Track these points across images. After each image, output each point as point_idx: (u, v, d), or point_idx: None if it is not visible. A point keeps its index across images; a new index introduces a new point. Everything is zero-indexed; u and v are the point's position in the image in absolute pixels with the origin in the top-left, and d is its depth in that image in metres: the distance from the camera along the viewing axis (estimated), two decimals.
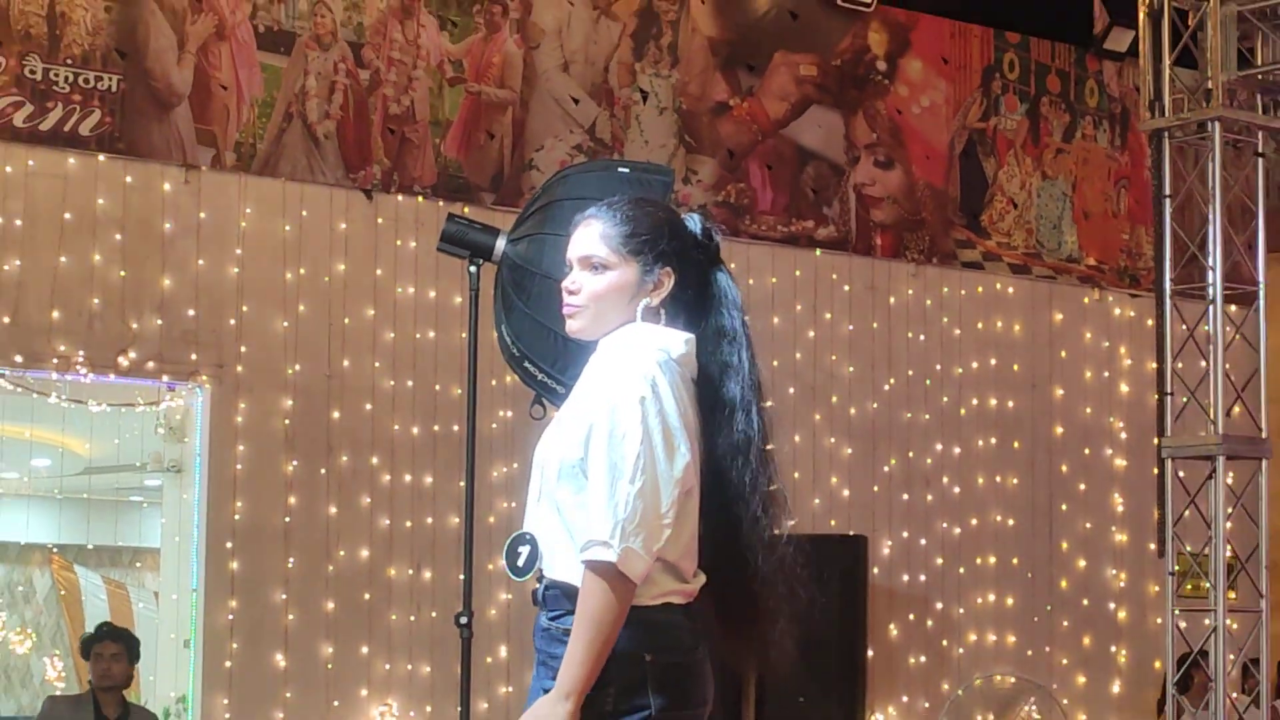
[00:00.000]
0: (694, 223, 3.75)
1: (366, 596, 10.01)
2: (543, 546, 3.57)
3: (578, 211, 3.81)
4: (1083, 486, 12.55)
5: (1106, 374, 12.78)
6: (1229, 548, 9.85)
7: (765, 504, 3.65)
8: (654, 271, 3.63)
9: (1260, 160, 10.17)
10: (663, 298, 3.64)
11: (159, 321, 9.62)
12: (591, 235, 3.66)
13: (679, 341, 3.59)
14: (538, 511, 3.61)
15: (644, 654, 3.48)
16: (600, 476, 3.45)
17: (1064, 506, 12.46)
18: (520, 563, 3.59)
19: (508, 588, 9.86)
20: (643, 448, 3.43)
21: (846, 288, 11.80)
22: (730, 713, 10.18)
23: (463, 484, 6.39)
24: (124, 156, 9.59)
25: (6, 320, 9.25)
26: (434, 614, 10.03)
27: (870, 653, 11.10)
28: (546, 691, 3.48)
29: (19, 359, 9.31)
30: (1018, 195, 12.52)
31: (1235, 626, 9.90)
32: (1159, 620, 11.52)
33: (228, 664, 9.68)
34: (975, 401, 12.20)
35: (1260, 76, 10.03)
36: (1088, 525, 12.54)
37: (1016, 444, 12.32)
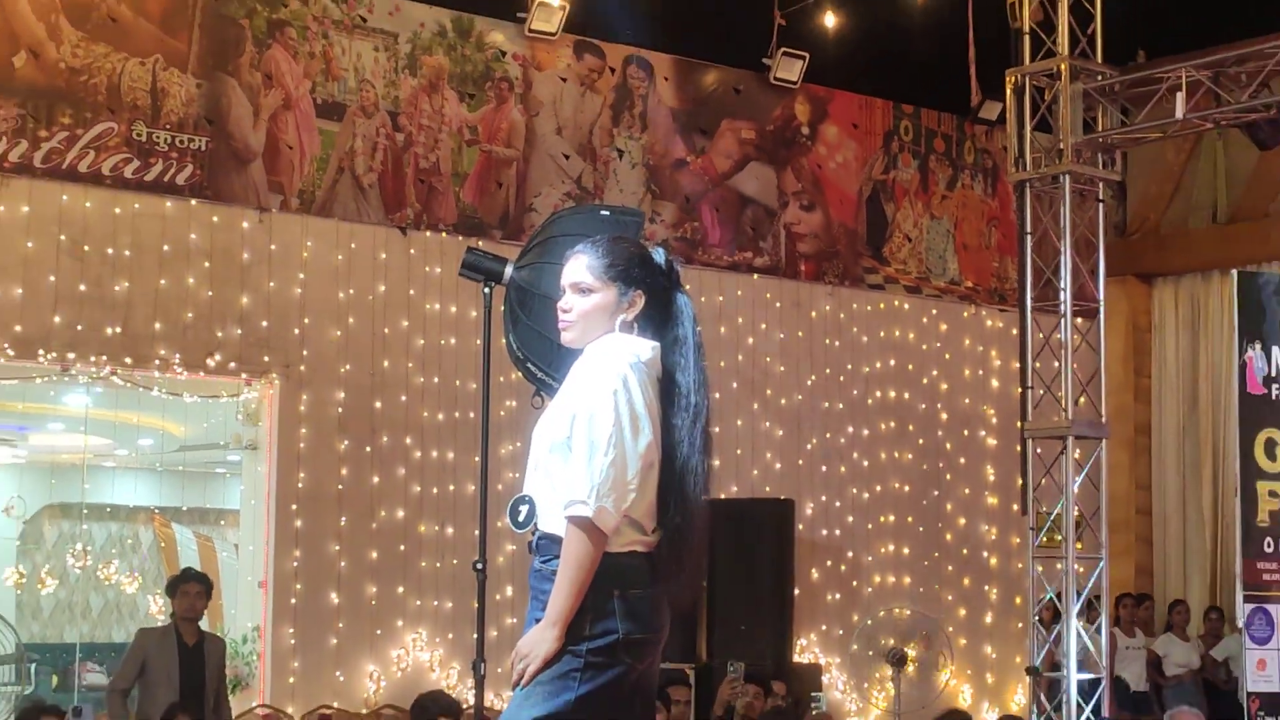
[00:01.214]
0: (659, 255, 3.73)
1: (402, 548, 10.02)
2: (538, 506, 3.57)
3: (569, 246, 3.79)
4: (962, 460, 12.58)
5: (980, 372, 12.80)
6: (1076, 509, 9.86)
7: (704, 473, 3.64)
8: (628, 294, 3.62)
9: (1100, 205, 10.19)
10: (635, 314, 3.63)
11: (239, 331, 9.63)
12: (580, 266, 3.64)
13: (647, 348, 3.59)
14: (534, 479, 3.61)
15: (614, 589, 3.48)
16: (581, 450, 3.45)
17: (948, 476, 12.49)
18: (520, 519, 3.59)
19: (512, 540, 9.77)
20: (614, 429, 3.45)
21: (778, 304, 11.79)
22: (686, 639, 10.16)
23: (477, 459, 6.41)
24: (211, 201, 9.59)
25: (118, 330, 9.25)
26: (455, 561, 10.04)
27: (796, 591, 11.09)
28: (538, 621, 3.49)
29: (128, 361, 9.31)
30: (911, 232, 12.53)
31: (1081, 570, 9.91)
32: (1020, 565, 11.58)
33: (293, 600, 9.70)
34: (878, 393, 12.20)
35: (1101, 139, 10.04)
36: (966, 491, 12.57)
37: (911, 427, 12.34)
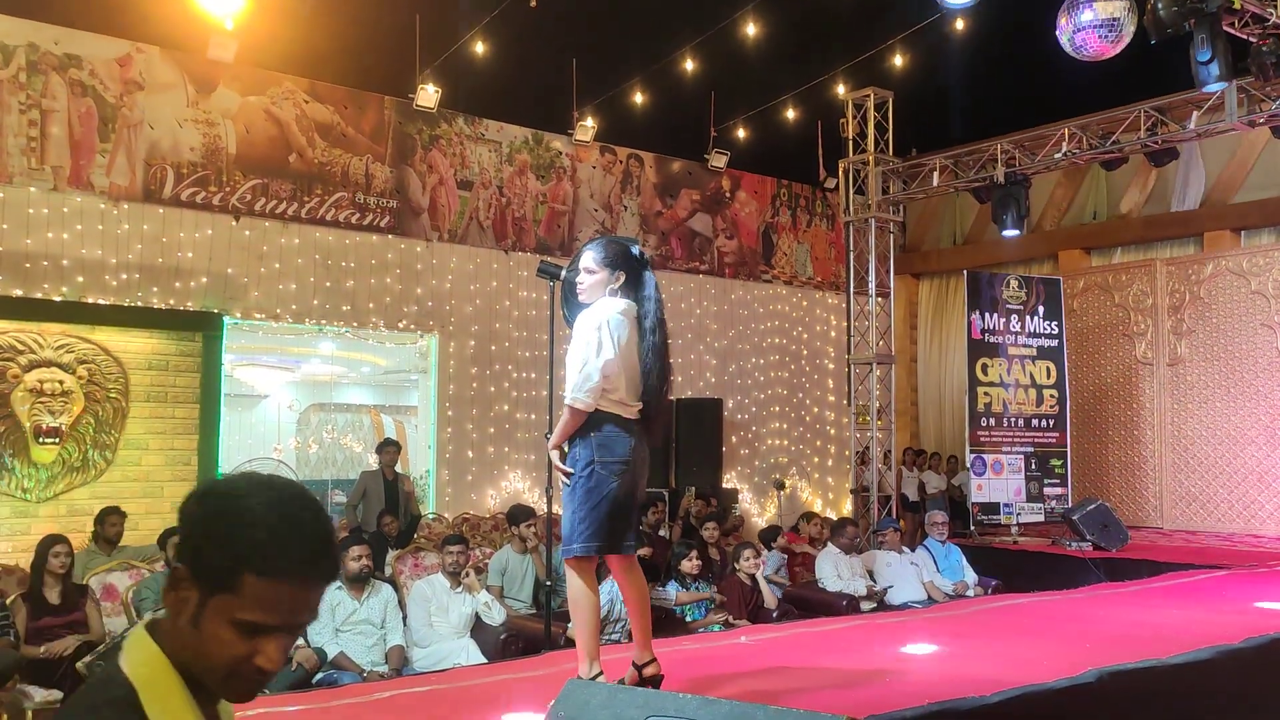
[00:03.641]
0: (635, 249, 3.52)
1: (506, 426, 10.02)
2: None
3: None
4: (815, 376, 12.58)
5: (824, 327, 12.77)
6: (878, 402, 9.94)
7: (664, 375, 3.43)
8: (615, 273, 3.43)
9: (891, 235, 10.21)
10: (618, 284, 3.43)
11: (415, 307, 9.58)
12: (588, 258, 3.47)
13: (624, 304, 3.40)
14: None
15: (590, 432, 3.31)
16: (572, 367, 3.32)
17: (807, 385, 12.49)
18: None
19: None
20: (586, 353, 3.28)
21: (713, 291, 11.75)
22: (664, 474, 10.25)
23: (548, 377, 6.42)
24: (399, 236, 9.51)
25: (349, 307, 9.20)
26: (535, 433, 10.02)
27: (724, 448, 11.16)
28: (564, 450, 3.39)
29: (355, 324, 9.27)
30: (788, 250, 12.50)
31: (881, 436, 9.99)
32: (848, 434, 11.65)
33: (446, 455, 9.71)
34: (769, 340, 12.18)
35: (891, 199, 10.05)
36: (817, 393, 12.58)
37: (786, 358, 12.32)
